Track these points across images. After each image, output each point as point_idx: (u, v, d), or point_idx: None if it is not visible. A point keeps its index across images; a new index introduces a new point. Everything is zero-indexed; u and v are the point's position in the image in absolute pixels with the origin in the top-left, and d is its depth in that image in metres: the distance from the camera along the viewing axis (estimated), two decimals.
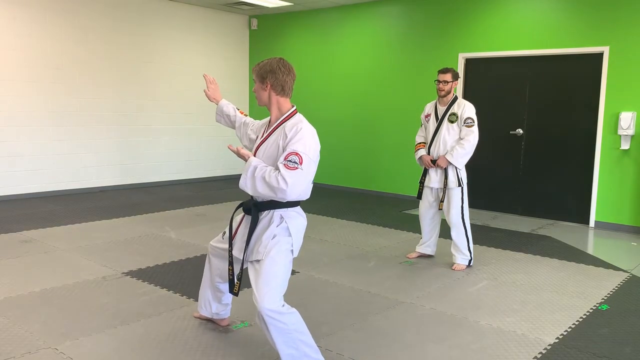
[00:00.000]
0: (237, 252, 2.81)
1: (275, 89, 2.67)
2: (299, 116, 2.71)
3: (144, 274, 4.22)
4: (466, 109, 4.45)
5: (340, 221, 6.32)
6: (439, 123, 4.53)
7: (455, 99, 4.54)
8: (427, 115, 4.67)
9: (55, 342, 3.02)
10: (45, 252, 4.76)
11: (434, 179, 4.57)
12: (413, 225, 6.06)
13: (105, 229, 5.64)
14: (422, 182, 4.67)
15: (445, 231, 4.82)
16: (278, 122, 2.69)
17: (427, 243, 4.82)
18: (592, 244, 5.75)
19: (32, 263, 4.45)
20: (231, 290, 2.84)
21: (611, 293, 4.06)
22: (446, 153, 4.47)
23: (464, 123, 4.43)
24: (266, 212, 2.69)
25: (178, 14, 8.66)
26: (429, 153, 4.60)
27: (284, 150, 2.55)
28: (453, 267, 4.57)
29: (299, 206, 2.74)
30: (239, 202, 6.98)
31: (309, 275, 4.32)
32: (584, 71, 6.40)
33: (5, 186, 7.03)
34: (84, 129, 7.72)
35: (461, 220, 4.52)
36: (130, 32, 8.09)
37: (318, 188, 8.77)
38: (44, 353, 2.89)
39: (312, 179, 2.61)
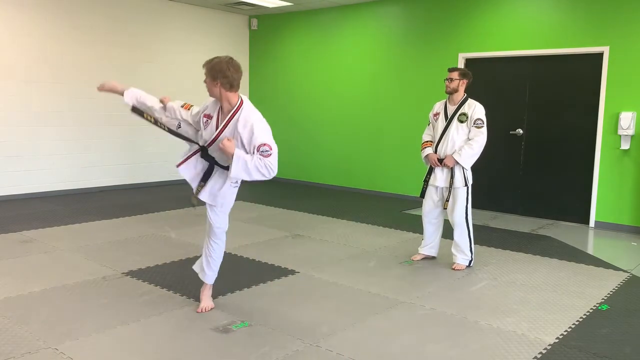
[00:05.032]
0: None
1: (225, 87, 3.17)
2: (246, 108, 3.21)
3: (144, 274, 4.21)
4: (476, 110, 4.44)
5: (340, 221, 6.32)
6: (448, 122, 4.51)
7: (466, 99, 4.53)
8: (436, 114, 4.64)
9: (55, 342, 3.02)
10: (45, 252, 4.76)
11: (439, 177, 4.55)
12: (413, 225, 6.06)
13: (105, 229, 5.64)
14: (426, 181, 4.66)
15: (445, 231, 4.82)
16: (230, 114, 3.21)
17: (431, 244, 4.78)
18: (592, 244, 5.75)
19: (32, 263, 4.45)
20: None
21: (611, 293, 4.05)
22: (453, 152, 4.46)
23: (474, 124, 4.41)
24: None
25: (178, 14, 8.66)
26: (436, 152, 4.58)
27: (249, 144, 3.14)
28: (453, 267, 4.56)
29: None
30: (239, 202, 6.97)
31: (309, 275, 4.32)
32: (584, 71, 6.40)
33: (5, 186, 7.03)
34: (84, 128, 7.72)
35: (465, 220, 4.51)
36: (130, 32, 8.09)
37: (318, 188, 8.83)
38: (44, 353, 2.89)
39: None
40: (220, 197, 3.37)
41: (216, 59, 3.16)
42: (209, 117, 3.31)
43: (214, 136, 3.25)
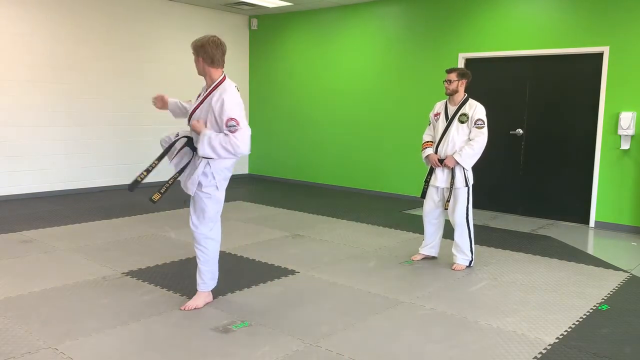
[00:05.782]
0: None
1: (206, 62, 3.33)
2: (225, 85, 3.33)
3: (144, 274, 4.22)
4: (477, 110, 4.44)
5: (341, 221, 6.32)
6: (449, 122, 4.50)
7: (467, 99, 4.52)
8: (437, 114, 4.64)
9: (55, 342, 3.02)
10: (45, 252, 4.76)
11: (440, 178, 4.54)
12: (413, 225, 6.06)
13: (105, 229, 5.64)
14: (427, 181, 4.65)
15: (446, 231, 4.82)
16: (210, 89, 3.36)
17: (432, 244, 4.78)
18: (592, 244, 5.75)
19: (32, 263, 4.45)
20: None
21: (611, 293, 4.06)
22: (454, 153, 4.45)
23: (474, 124, 4.41)
24: None
25: (178, 14, 8.66)
26: (436, 152, 4.57)
27: (219, 118, 3.23)
28: (453, 267, 4.56)
29: None
30: (239, 202, 6.91)
31: (309, 275, 4.32)
32: (584, 71, 6.40)
33: (5, 186, 7.03)
34: (84, 128, 7.72)
35: (465, 220, 4.51)
36: (130, 32, 8.09)
37: (318, 188, 8.83)
38: (44, 353, 2.89)
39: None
40: (190, 183, 3.45)
41: (199, 38, 3.35)
42: (199, 95, 3.50)
43: (192, 108, 3.42)
